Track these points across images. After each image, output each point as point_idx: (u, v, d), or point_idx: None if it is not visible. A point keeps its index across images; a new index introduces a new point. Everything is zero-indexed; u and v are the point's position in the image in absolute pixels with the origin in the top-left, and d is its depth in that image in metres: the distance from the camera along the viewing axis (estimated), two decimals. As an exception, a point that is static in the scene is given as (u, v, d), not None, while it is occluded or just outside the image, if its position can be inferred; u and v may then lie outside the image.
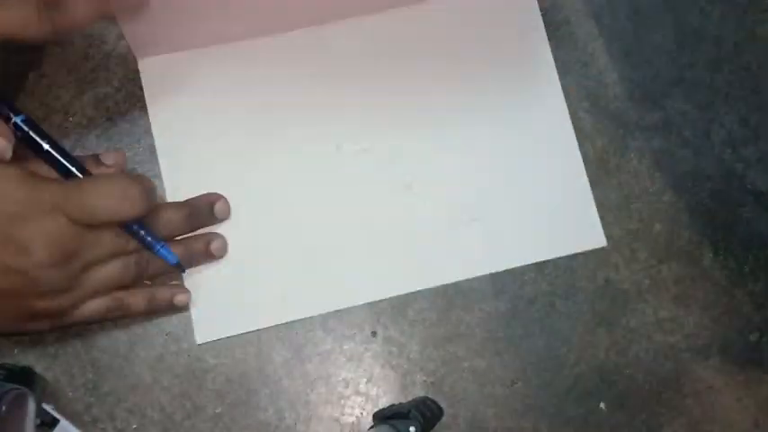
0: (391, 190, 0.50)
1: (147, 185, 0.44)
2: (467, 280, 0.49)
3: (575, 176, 0.51)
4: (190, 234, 0.48)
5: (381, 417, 0.45)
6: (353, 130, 0.50)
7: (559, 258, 0.50)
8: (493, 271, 0.49)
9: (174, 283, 0.48)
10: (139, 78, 0.50)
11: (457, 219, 0.50)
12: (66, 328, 0.47)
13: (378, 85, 0.51)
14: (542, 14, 0.53)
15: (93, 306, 0.44)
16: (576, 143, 0.51)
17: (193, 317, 0.48)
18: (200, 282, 0.48)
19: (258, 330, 0.48)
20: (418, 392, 0.48)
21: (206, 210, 0.48)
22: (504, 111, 0.51)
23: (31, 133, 0.43)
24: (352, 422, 0.47)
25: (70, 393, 0.47)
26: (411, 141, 0.50)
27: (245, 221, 0.49)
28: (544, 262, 0.50)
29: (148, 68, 0.50)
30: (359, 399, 0.48)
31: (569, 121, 0.51)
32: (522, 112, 0.51)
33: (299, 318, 0.48)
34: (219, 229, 0.49)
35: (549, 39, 0.53)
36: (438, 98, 0.51)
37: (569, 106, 0.52)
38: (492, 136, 0.51)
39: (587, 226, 0.50)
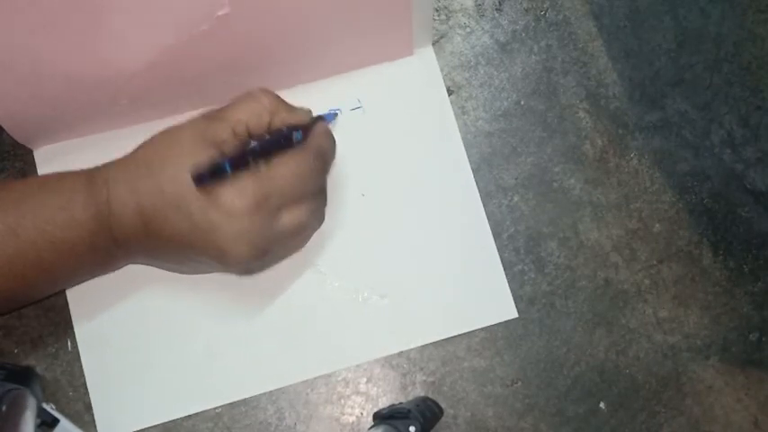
0: (297, 270, 0.49)
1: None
2: (467, 280, 0.49)
3: (484, 250, 0.49)
4: None
5: (381, 417, 0.45)
6: None
7: (559, 258, 0.50)
8: (404, 349, 0.48)
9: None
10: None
11: (365, 297, 0.49)
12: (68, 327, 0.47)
13: None
14: (542, 14, 0.53)
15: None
16: (484, 216, 0.50)
17: (95, 415, 0.46)
18: (102, 379, 0.47)
19: (258, 330, 0.48)
20: (418, 392, 0.48)
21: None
22: (411, 185, 0.50)
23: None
24: (352, 422, 0.47)
25: (71, 393, 0.47)
26: None
27: (148, 311, 0.48)
28: (545, 260, 0.50)
29: (43, 157, 0.50)
30: (359, 399, 0.48)
31: (477, 193, 0.50)
32: (429, 186, 0.50)
33: (211, 407, 0.47)
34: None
35: (548, 39, 0.53)
36: (341, 175, 0.50)
37: (570, 106, 0.52)
38: (399, 210, 0.50)
39: (498, 298, 0.49)
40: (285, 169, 0.42)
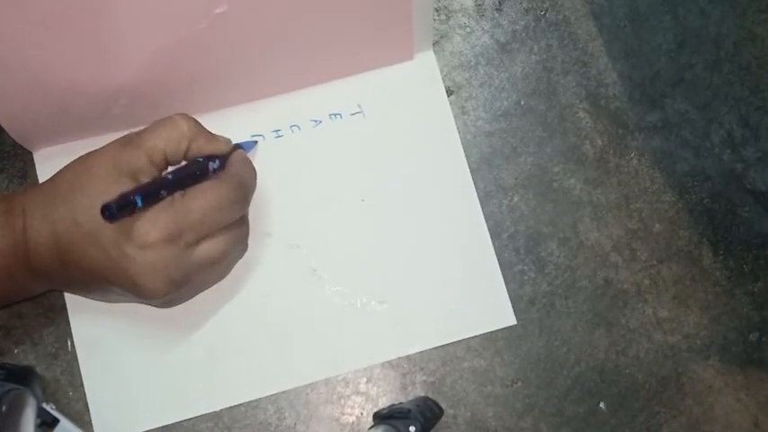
0: (296, 275, 0.49)
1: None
2: (467, 280, 0.49)
3: (484, 257, 0.49)
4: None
5: (381, 417, 0.45)
6: (254, 214, 0.48)
7: (559, 258, 0.50)
8: (402, 355, 0.48)
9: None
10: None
11: (364, 302, 0.48)
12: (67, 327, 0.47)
13: (278, 168, 0.50)
14: (542, 14, 0.53)
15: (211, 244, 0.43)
16: (484, 223, 0.50)
17: (92, 418, 0.46)
18: (100, 382, 0.47)
19: (258, 330, 0.48)
20: (418, 392, 0.48)
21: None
22: (410, 191, 0.50)
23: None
24: (352, 422, 0.47)
25: (71, 393, 0.47)
26: (314, 224, 0.49)
27: (147, 315, 0.47)
28: (545, 260, 0.50)
29: (43, 158, 0.49)
30: (359, 399, 0.48)
31: (476, 199, 0.50)
32: (428, 192, 0.50)
33: (209, 411, 0.47)
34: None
35: (548, 39, 0.53)
36: (340, 180, 0.50)
37: (570, 106, 0.52)
38: (398, 216, 0.50)
39: (497, 305, 0.49)
40: (201, 200, 0.41)
